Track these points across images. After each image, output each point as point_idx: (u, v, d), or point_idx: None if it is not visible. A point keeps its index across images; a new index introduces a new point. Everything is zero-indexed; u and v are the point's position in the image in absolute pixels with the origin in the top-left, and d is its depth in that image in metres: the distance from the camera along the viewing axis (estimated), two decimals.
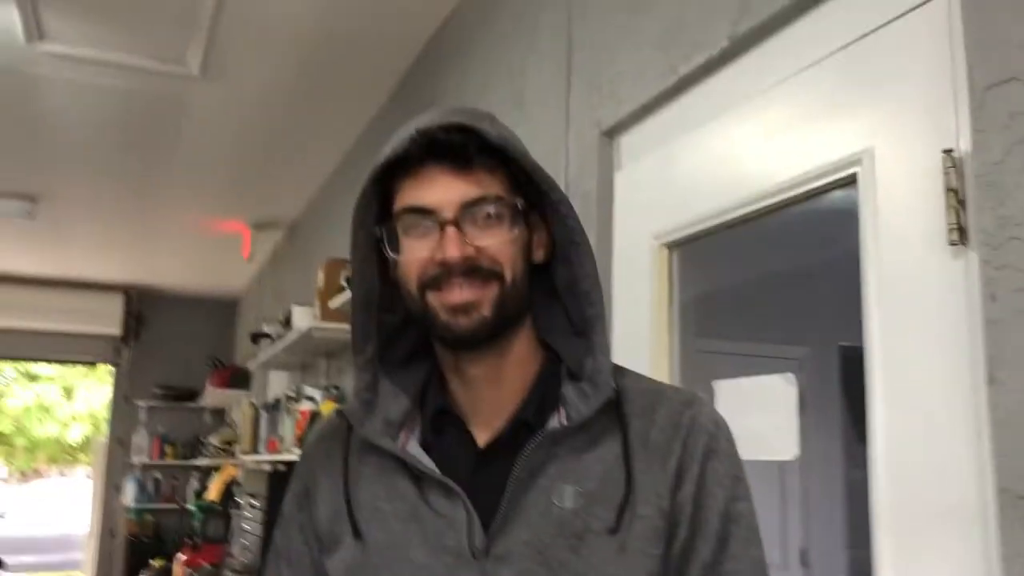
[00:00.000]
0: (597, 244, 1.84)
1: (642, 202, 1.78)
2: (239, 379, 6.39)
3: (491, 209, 0.88)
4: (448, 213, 0.87)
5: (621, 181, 1.86)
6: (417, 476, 0.90)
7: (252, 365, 5.09)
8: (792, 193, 1.37)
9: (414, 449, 0.92)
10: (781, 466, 2.09)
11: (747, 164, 1.47)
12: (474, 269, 0.87)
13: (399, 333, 0.98)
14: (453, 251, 0.86)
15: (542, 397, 0.93)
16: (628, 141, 1.86)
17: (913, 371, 1.12)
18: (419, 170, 0.89)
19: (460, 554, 0.85)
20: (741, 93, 1.50)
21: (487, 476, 0.89)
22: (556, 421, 0.90)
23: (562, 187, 1.96)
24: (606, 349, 0.91)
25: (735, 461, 0.91)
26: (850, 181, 1.26)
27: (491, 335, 0.90)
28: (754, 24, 1.44)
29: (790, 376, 1.35)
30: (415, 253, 0.89)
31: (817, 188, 1.33)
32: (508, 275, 0.89)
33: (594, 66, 1.94)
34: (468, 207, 0.87)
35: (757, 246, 1.86)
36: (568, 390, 0.91)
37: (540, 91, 2.20)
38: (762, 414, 1.39)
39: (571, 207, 0.93)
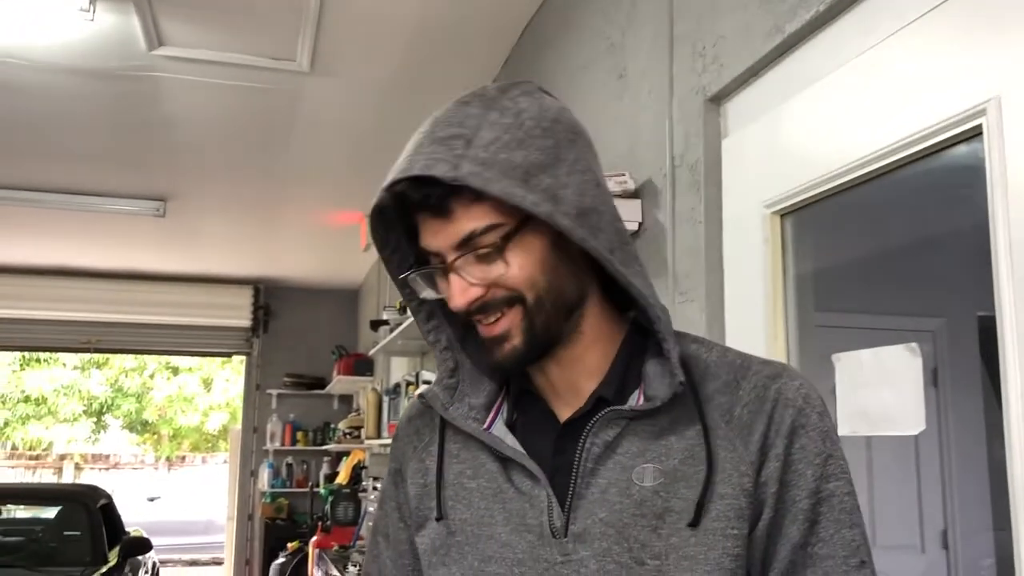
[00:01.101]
0: (705, 214, 1.78)
1: (751, 169, 1.70)
2: (363, 366, 6.56)
3: (484, 241, 0.82)
4: (448, 257, 0.84)
5: (729, 149, 1.79)
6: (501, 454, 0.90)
7: (373, 352, 5.20)
8: (909, 152, 1.28)
9: (498, 430, 0.92)
10: (918, 444, 1.98)
11: (860, 124, 1.38)
12: (487, 306, 0.85)
13: None
14: (458, 302, 0.84)
15: (623, 374, 0.90)
16: (734, 107, 1.79)
17: None
18: (415, 213, 0.86)
19: (541, 533, 0.85)
20: (851, 49, 1.42)
21: (566, 454, 0.88)
22: (634, 399, 0.88)
23: (667, 158, 1.93)
24: (669, 329, 0.86)
25: (827, 437, 0.85)
26: (975, 134, 1.17)
27: (531, 358, 0.88)
28: None
29: (914, 347, 1.27)
30: (446, 291, 0.87)
31: (937, 144, 1.23)
32: (530, 295, 0.84)
33: (697, 32, 1.88)
34: (460, 250, 0.83)
35: (880, 213, 1.76)
36: (651, 367, 0.88)
37: (642, 62, 2.15)
38: (884, 387, 1.31)
39: (550, 206, 0.81)
